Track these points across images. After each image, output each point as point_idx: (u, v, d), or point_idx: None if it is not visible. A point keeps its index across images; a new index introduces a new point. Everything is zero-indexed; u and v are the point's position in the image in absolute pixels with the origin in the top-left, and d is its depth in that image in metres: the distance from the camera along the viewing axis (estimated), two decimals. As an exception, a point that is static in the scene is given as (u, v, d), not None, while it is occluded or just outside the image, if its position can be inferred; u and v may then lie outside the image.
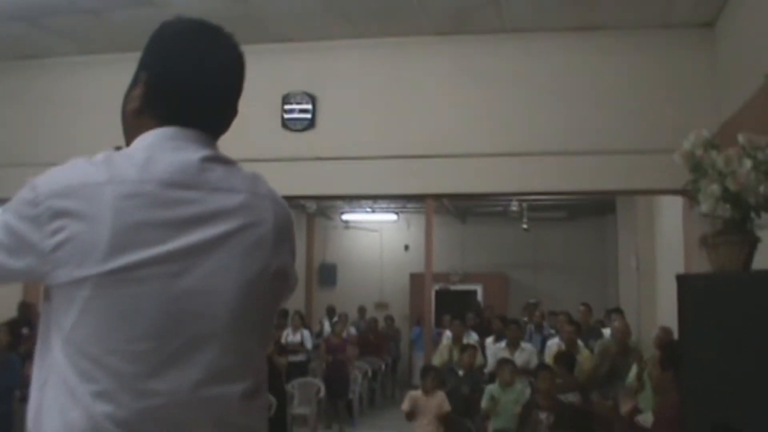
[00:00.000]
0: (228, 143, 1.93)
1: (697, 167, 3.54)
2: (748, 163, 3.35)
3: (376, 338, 16.71)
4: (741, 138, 3.45)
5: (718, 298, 3.28)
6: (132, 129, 1.86)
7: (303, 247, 22.13)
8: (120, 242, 1.62)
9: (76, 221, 1.62)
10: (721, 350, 3.17)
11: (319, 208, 21.23)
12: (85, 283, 1.61)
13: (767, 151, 3.43)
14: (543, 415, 7.27)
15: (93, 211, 1.62)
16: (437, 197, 8.60)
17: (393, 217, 21.48)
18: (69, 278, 1.63)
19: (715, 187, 3.39)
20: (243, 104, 1.98)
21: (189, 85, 1.84)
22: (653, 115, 7.06)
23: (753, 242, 3.44)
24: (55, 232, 1.62)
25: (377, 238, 21.97)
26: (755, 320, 2.92)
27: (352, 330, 16.05)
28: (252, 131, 7.79)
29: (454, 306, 16.83)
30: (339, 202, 20.64)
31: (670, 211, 9.77)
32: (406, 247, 21.37)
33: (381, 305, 20.14)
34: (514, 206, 17.25)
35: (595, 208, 19.75)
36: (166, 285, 1.66)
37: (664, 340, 7.94)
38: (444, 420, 8.37)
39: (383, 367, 16.08)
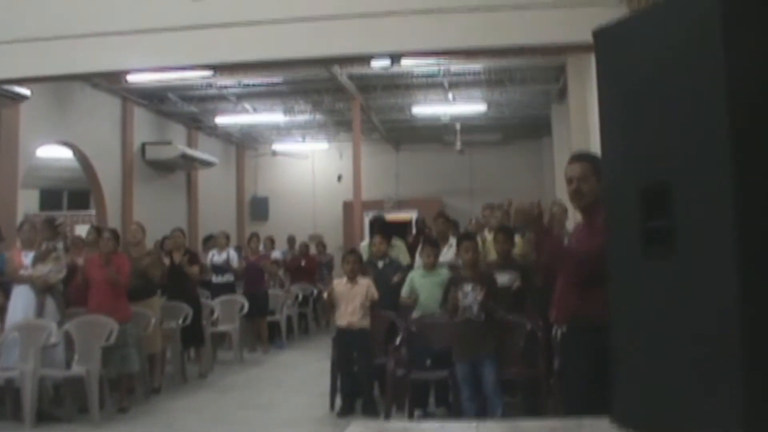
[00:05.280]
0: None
1: None
2: None
3: (308, 264, 16.10)
4: None
5: (640, 43, 2.70)
6: None
7: (233, 180, 21.51)
8: None
9: None
10: (642, 100, 2.61)
11: (246, 136, 20.55)
12: None
13: None
14: (468, 287, 6.67)
15: None
16: (345, 60, 7.91)
17: (324, 145, 20.84)
18: None
19: None
20: None
21: None
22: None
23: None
24: None
25: (309, 168, 21.33)
26: (679, 58, 2.37)
27: (278, 254, 15.51)
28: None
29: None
30: (267, 132, 19.99)
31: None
32: (339, 178, 20.80)
33: (315, 236, 19.56)
34: (445, 118, 16.75)
35: (530, 131, 19.38)
36: None
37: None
38: (370, 307, 7.82)
39: (315, 292, 15.50)
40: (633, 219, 2.53)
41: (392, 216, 19.33)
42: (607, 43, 2.94)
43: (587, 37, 3.07)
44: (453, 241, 8.65)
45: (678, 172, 2.39)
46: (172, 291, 9.78)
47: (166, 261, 9.85)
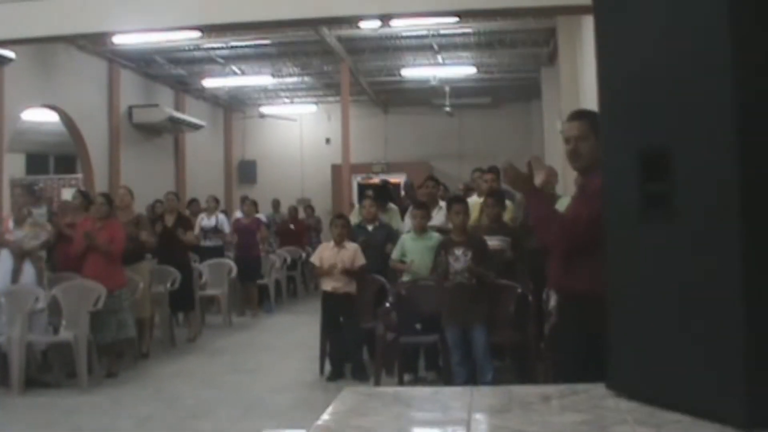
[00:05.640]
0: None
1: None
2: None
3: (297, 227, 16.04)
4: None
5: (641, 3, 2.62)
6: None
7: (221, 143, 21.37)
8: None
9: None
10: (643, 62, 2.54)
11: (234, 99, 20.39)
12: None
13: None
14: (459, 251, 6.61)
15: None
16: (334, 21, 7.79)
17: (312, 108, 20.69)
18: None
19: None
20: None
21: None
22: None
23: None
24: None
25: (297, 131, 21.18)
26: (682, 19, 2.30)
27: (262, 217, 15.40)
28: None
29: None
30: (255, 95, 19.84)
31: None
32: (327, 140, 20.64)
33: (303, 200, 19.46)
34: (434, 81, 16.64)
35: (519, 94, 19.24)
36: None
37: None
38: (356, 274, 7.77)
39: (303, 256, 15.42)
40: (632, 182, 2.48)
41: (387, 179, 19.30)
42: (606, 1, 2.87)
43: (581, -1, 3.02)
44: (442, 204, 8.58)
45: (680, 136, 2.33)
46: (162, 255, 9.72)
47: (158, 227, 9.79)
